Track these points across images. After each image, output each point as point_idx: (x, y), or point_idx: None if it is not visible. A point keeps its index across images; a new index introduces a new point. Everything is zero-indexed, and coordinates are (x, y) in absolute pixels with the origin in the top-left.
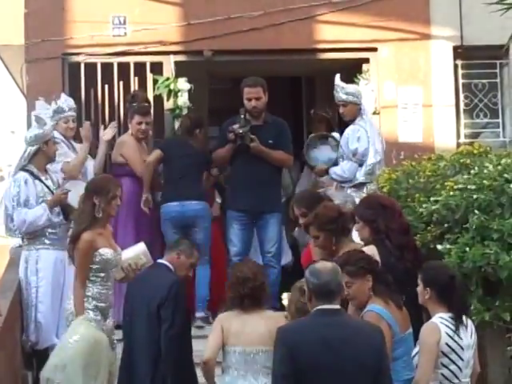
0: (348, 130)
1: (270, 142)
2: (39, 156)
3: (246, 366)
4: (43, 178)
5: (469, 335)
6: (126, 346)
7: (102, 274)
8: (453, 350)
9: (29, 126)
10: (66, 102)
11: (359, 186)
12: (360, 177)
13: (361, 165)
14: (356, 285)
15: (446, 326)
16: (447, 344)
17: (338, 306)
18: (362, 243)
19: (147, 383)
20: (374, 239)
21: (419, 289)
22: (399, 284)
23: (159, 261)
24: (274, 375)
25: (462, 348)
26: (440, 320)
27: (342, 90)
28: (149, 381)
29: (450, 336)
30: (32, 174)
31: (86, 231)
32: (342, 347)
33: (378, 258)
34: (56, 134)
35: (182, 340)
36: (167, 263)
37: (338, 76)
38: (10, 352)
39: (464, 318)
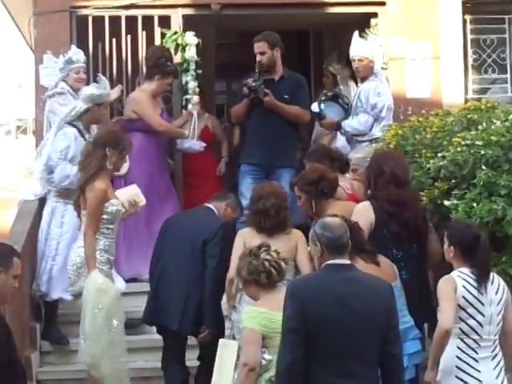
0: (369, 85)
1: (286, 96)
2: (88, 115)
3: None
4: (87, 137)
5: (493, 291)
6: (158, 278)
7: (112, 226)
8: (470, 303)
9: (37, 79)
10: (76, 53)
11: (374, 141)
12: (377, 132)
13: (376, 120)
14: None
15: (464, 279)
16: (464, 297)
17: (349, 261)
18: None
19: (179, 315)
20: (368, 196)
21: (444, 246)
22: (393, 239)
23: (206, 204)
24: (285, 329)
25: (483, 303)
26: (457, 274)
27: (360, 45)
28: (181, 313)
29: (466, 289)
30: (79, 130)
31: (98, 180)
32: (354, 303)
33: (372, 213)
34: (63, 84)
35: (223, 284)
36: (214, 209)
37: (356, 32)
38: (18, 304)
39: (491, 275)
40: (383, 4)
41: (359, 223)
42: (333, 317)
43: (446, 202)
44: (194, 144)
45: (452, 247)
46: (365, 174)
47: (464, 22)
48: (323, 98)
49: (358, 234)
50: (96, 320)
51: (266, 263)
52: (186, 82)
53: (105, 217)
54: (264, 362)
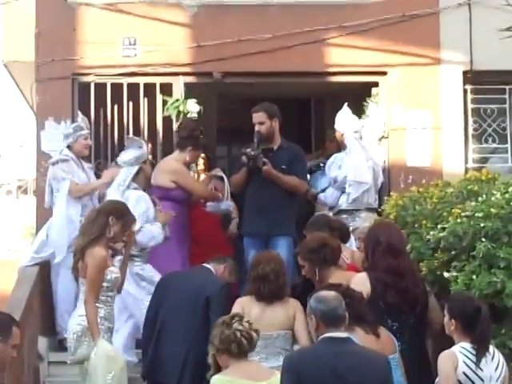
0: (332, 158)
1: (284, 167)
2: (141, 175)
3: (266, 349)
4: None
5: (493, 367)
6: (158, 333)
7: (111, 294)
8: (470, 379)
9: (38, 144)
10: (83, 120)
11: (351, 212)
12: (343, 203)
13: (343, 192)
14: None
15: (465, 355)
16: (464, 373)
17: (345, 334)
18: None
19: (178, 372)
20: (366, 267)
21: (445, 320)
22: (389, 311)
23: (205, 265)
24: None
25: (482, 379)
26: (459, 349)
27: (337, 118)
28: (180, 370)
29: (467, 365)
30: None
31: (97, 246)
32: (351, 377)
33: (368, 284)
34: (67, 151)
35: None
36: (212, 269)
37: (345, 104)
38: (16, 371)
39: (491, 349)
40: (384, 74)
41: None
42: None
43: (446, 274)
44: (229, 205)
45: (453, 320)
46: (363, 245)
47: (465, 91)
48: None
49: (359, 303)
50: None
51: (238, 333)
52: None
53: (105, 284)
54: None
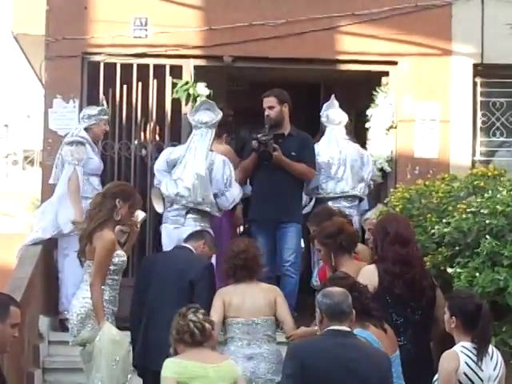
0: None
1: (293, 154)
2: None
3: (249, 335)
4: None
5: (492, 367)
6: (147, 321)
7: (117, 277)
8: (471, 380)
9: (46, 121)
10: (106, 105)
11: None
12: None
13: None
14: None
15: (467, 355)
16: (465, 374)
17: (348, 328)
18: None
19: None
20: (374, 259)
21: (445, 317)
22: (395, 305)
23: (184, 244)
24: None
25: (482, 380)
26: (461, 349)
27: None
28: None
29: (469, 366)
30: None
31: (106, 229)
32: (354, 367)
33: (376, 277)
34: (83, 133)
35: None
36: (192, 248)
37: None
38: (15, 351)
39: (490, 349)
40: (395, 63)
41: None
42: (331, 379)
43: (449, 270)
44: (249, 189)
45: (454, 318)
46: (372, 237)
47: (474, 84)
48: None
49: (367, 298)
50: (115, 372)
51: (191, 324)
52: None
53: (112, 268)
54: None
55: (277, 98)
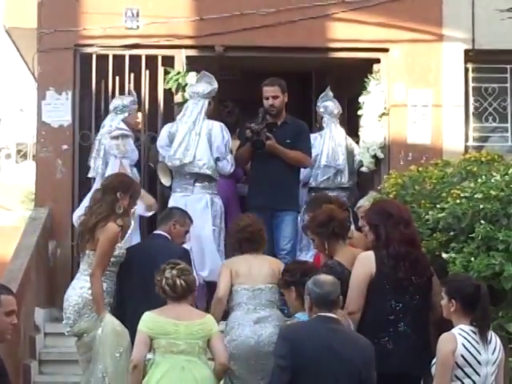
0: None
1: (288, 141)
2: (209, 108)
3: (254, 300)
4: None
5: (490, 351)
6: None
7: (114, 269)
8: (468, 363)
9: (39, 113)
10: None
11: (321, 191)
12: (313, 182)
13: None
14: (286, 295)
15: (464, 337)
16: (462, 356)
17: (336, 316)
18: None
19: None
20: (373, 245)
21: (443, 302)
22: (394, 291)
23: (156, 232)
24: (275, 366)
25: (480, 363)
26: (459, 331)
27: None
28: None
29: (466, 348)
30: None
31: (110, 222)
32: (341, 350)
33: (373, 263)
34: (123, 125)
35: None
36: (165, 234)
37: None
38: (11, 341)
39: (489, 333)
40: (386, 50)
41: (359, 272)
42: (319, 360)
43: (444, 255)
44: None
45: (453, 300)
46: (369, 225)
47: (466, 70)
48: None
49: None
50: (119, 363)
51: (163, 280)
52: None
53: (112, 259)
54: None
55: (280, 88)
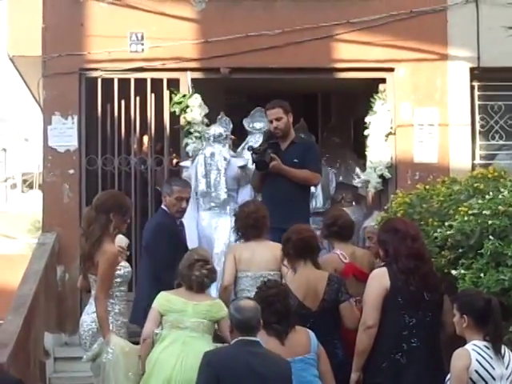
0: None
1: (296, 161)
2: None
3: (255, 287)
4: None
5: (504, 365)
6: None
7: (124, 289)
8: (482, 378)
9: (45, 139)
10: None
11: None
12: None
13: None
14: None
15: (478, 353)
16: (477, 371)
17: (257, 339)
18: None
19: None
20: (384, 262)
21: (455, 319)
22: (407, 306)
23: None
24: None
25: (494, 378)
26: (473, 347)
27: None
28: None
29: (480, 363)
30: None
31: (105, 243)
32: (263, 372)
33: (386, 279)
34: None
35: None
36: (163, 206)
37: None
38: (22, 365)
39: (502, 347)
40: (392, 70)
41: (374, 287)
42: (241, 382)
43: (454, 272)
44: None
45: (465, 316)
46: (378, 242)
47: (472, 88)
48: None
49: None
50: (133, 382)
51: (192, 277)
52: (186, 144)
53: (118, 280)
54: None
55: (282, 109)
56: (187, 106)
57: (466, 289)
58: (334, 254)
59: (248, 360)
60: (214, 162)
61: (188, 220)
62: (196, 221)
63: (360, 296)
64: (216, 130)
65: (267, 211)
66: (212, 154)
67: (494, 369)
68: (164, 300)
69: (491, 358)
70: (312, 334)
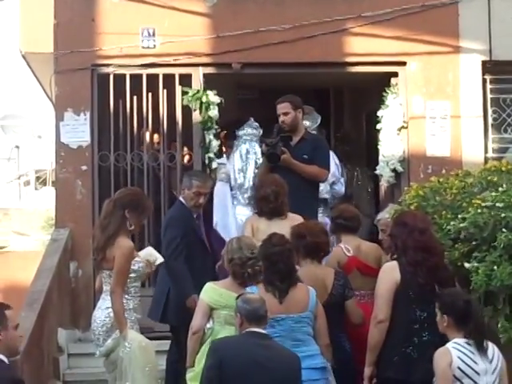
0: None
1: (305, 156)
2: None
3: None
4: None
5: (488, 360)
6: None
7: (138, 284)
8: (466, 374)
9: (57, 135)
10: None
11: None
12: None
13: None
14: None
15: (459, 350)
16: (459, 368)
17: (265, 331)
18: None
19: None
20: (394, 255)
21: (437, 318)
22: (419, 300)
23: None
24: (203, 378)
25: (478, 373)
26: (453, 345)
27: None
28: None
29: (461, 360)
30: None
31: (120, 237)
32: (267, 364)
33: (397, 273)
34: None
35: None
36: (181, 198)
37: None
38: (36, 362)
39: (485, 343)
40: (404, 64)
41: (385, 281)
42: (248, 372)
43: (467, 265)
44: None
45: (445, 316)
46: (389, 236)
47: (484, 81)
48: None
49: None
50: (149, 378)
51: (245, 271)
52: (210, 141)
53: (132, 275)
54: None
55: (291, 104)
56: (209, 104)
57: (446, 289)
58: (337, 247)
59: (253, 351)
60: (250, 159)
61: (221, 214)
62: (230, 215)
63: (364, 289)
64: (248, 130)
65: (285, 185)
66: (247, 151)
67: (476, 364)
68: (214, 293)
69: (473, 353)
70: (312, 292)
